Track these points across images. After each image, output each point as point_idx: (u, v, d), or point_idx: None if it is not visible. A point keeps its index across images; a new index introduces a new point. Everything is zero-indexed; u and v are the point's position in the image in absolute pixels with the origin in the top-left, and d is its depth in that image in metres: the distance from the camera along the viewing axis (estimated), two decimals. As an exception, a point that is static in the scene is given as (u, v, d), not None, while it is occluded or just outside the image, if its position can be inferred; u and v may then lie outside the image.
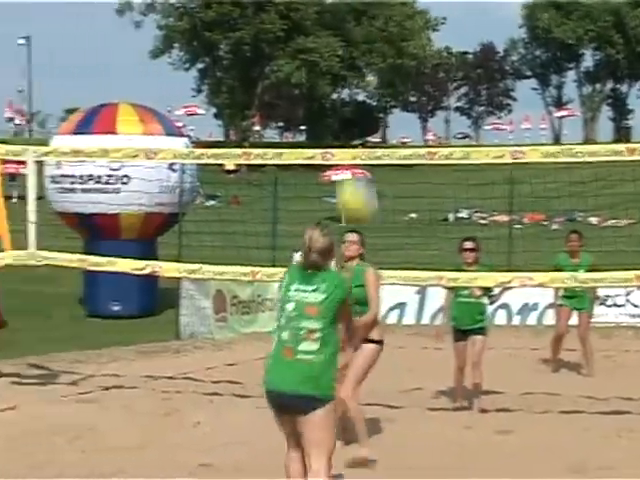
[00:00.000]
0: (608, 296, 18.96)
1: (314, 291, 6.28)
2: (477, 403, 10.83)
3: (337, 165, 38.48)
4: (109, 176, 17.88)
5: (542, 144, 59.73)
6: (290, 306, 6.30)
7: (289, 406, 6.27)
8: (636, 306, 19.46)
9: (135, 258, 12.52)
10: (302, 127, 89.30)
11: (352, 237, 9.00)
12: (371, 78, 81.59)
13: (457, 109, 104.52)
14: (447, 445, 9.04)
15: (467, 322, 10.96)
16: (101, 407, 10.77)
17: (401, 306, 19.34)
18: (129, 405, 10.84)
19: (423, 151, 11.17)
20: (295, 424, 6.30)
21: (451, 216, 40.78)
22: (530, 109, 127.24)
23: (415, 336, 16.86)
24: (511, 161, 10.59)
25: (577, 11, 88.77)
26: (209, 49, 75.36)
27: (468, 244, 11.06)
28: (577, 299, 13.71)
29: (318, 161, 11.26)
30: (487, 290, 11.02)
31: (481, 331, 11.02)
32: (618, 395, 11.47)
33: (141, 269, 12.09)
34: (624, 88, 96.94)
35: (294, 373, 6.22)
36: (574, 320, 13.94)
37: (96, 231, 18.14)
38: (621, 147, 10.56)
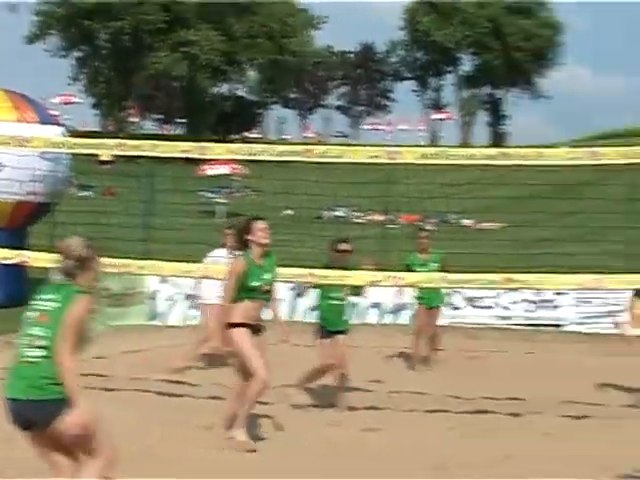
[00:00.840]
0: (477, 297, 19.30)
1: (50, 300, 6.15)
2: (343, 401, 10.88)
3: (214, 160, 38.33)
4: (-21, 163, 17.44)
5: (419, 146, 60.54)
6: (30, 314, 6.18)
7: (26, 416, 6.03)
8: (505, 308, 19.83)
9: (4, 247, 12.24)
10: (181, 120, 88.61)
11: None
12: (251, 73, 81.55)
13: (337, 108, 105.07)
14: (313, 443, 9.05)
15: (337, 323, 11.01)
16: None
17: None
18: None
19: (300, 148, 11.21)
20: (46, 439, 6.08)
21: (326, 214, 40.98)
22: (409, 111, 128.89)
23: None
24: (387, 161, 10.69)
25: (456, 16, 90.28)
26: (87, 37, 74.23)
27: (344, 246, 11.11)
28: (432, 296, 14.34)
29: (194, 155, 11.21)
30: (357, 289, 11.11)
31: (345, 331, 11.10)
32: (483, 395, 11.67)
33: (10, 258, 11.84)
34: (500, 94, 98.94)
35: (22, 379, 6.02)
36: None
37: (-36, 218, 17.68)
38: (495, 151, 10.76)
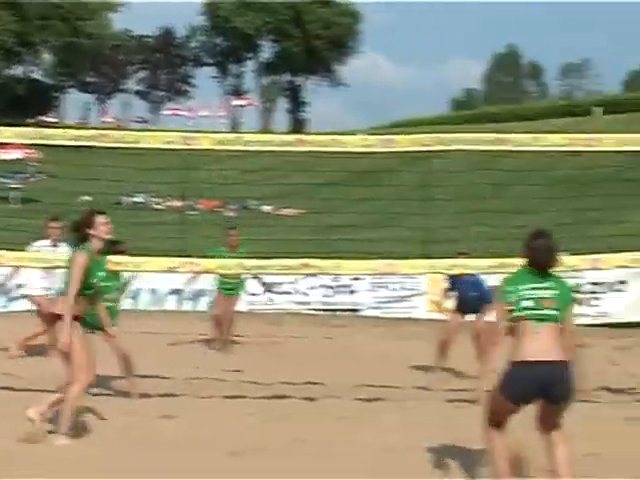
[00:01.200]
0: (277, 283, 19.46)
1: None
2: (136, 389, 10.69)
3: (6, 144, 37.17)
4: None
5: (217, 132, 60.43)
6: None
7: None
8: (303, 294, 20.06)
9: None
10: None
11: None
12: (46, 55, 79.30)
13: (136, 93, 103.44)
14: (107, 432, 8.86)
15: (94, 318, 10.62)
16: None
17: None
18: None
19: (95, 132, 11.02)
20: None
21: (125, 200, 40.47)
22: (209, 97, 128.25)
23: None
24: (183, 147, 10.62)
25: (256, 3, 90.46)
26: None
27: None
28: (232, 284, 14.67)
29: (-20, 139, 10.86)
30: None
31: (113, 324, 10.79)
32: (281, 380, 11.74)
33: None
34: (300, 81, 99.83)
35: None
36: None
37: None
38: (292, 138, 10.83)
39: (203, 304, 19.04)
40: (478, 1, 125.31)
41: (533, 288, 6.97)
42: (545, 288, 6.98)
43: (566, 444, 6.99)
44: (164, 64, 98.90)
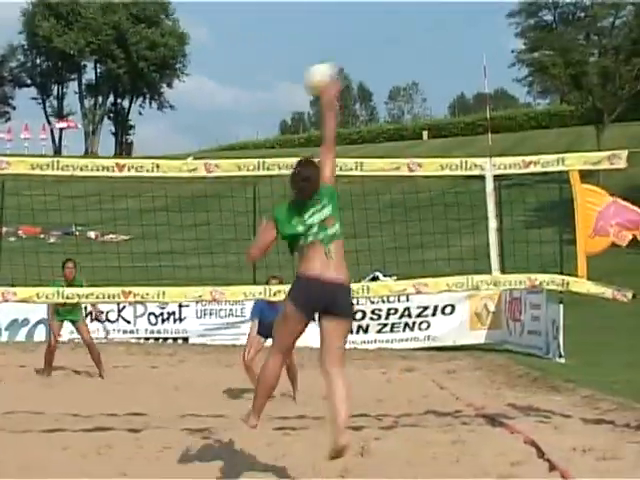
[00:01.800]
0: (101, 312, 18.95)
1: None
2: None
3: None
4: None
5: (41, 155, 59.13)
6: None
7: None
8: (127, 321, 19.61)
9: None
10: None
11: None
12: None
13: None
14: None
15: None
16: None
17: None
18: None
19: None
20: None
21: None
22: (30, 118, 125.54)
23: None
24: (-4, 171, 10.19)
25: (78, 22, 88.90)
26: None
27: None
28: (69, 313, 14.97)
29: None
30: None
31: None
32: (103, 412, 11.37)
33: None
34: (125, 103, 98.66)
35: None
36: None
37: None
38: (111, 162, 10.49)
39: (22, 334, 18.45)
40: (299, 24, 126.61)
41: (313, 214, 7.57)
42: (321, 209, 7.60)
43: (345, 381, 7.38)
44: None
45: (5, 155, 11.09)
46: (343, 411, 7.23)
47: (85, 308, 15.85)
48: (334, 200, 7.72)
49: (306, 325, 7.62)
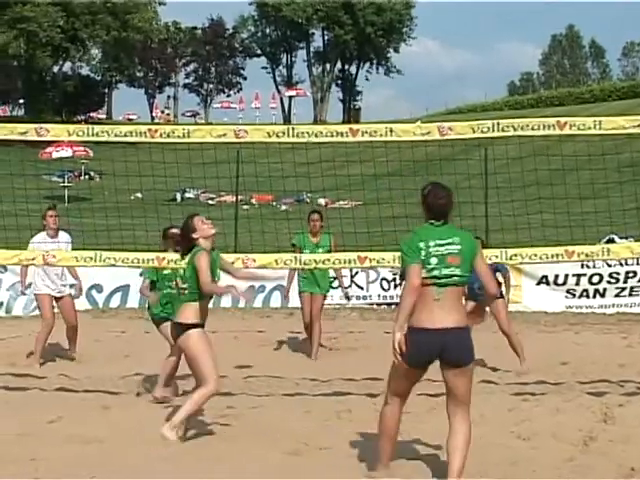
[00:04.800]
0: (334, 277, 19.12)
1: None
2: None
3: (59, 142, 37.15)
4: None
5: (271, 124, 60.22)
6: None
7: None
8: (360, 287, 19.69)
9: None
10: (21, 101, 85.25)
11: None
12: (95, 51, 79.17)
13: (186, 86, 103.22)
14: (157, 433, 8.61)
15: (168, 312, 10.46)
16: None
17: (124, 289, 18.82)
18: None
19: (144, 128, 10.80)
20: None
21: (178, 196, 40.49)
22: (260, 88, 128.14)
23: (138, 320, 16.38)
24: (234, 140, 10.42)
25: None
26: None
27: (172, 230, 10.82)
28: (314, 282, 13.62)
29: (32, 137, 10.74)
30: None
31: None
32: (340, 377, 11.47)
33: None
34: (353, 69, 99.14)
35: None
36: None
37: None
38: (344, 128, 10.54)
39: (259, 300, 18.81)
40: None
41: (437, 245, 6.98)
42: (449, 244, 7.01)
43: (467, 427, 7.02)
44: (214, 56, 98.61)
45: (238, 124, 11.29)
46: (457, 461, 6.93)
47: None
48: (471, 251, 7.08)
49: (424, 371, 7.15)
